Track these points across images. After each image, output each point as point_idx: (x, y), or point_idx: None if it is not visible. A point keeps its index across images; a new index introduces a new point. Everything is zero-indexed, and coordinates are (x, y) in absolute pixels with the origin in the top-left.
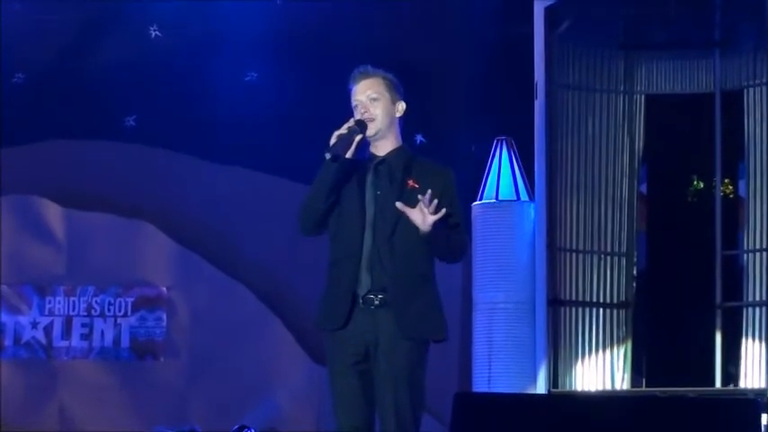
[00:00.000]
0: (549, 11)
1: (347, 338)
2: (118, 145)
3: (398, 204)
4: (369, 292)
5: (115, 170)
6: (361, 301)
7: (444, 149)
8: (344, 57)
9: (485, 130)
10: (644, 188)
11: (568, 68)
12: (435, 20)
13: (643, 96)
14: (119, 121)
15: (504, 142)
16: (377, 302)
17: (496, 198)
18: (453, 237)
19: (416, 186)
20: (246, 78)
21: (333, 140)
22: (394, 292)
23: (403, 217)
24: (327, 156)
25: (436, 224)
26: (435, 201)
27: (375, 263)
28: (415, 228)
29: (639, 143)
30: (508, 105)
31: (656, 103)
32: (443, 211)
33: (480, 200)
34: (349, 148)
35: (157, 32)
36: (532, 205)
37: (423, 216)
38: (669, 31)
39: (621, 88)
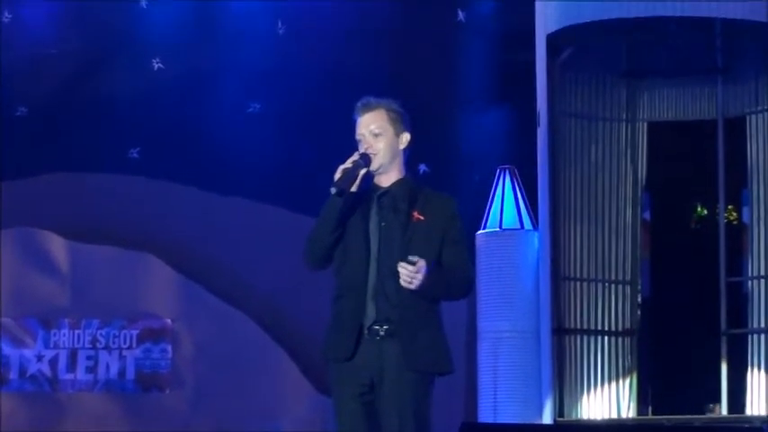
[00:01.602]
0: (550, 39)
1: (353, 369)
2: (121, 177)
3: (400, 266)
4: (374, 323)
5: (119, 202)
6: (366, 332)
7: (448, 179)
8: (348, 86)
9: (488, 159)
10: (647, 215)
11: (571, 96)
12: (438, 50)
13: (646, 124)
14: (122, 154)
15: (507, 171)
16: (382, 333)
17: (500, 227)
18: (456, 276)
19: (421, 218)
20: (249, 110)
21: (338, 175)
22: (399, 324)
23: (409, 247)
24: (333, 191)
25: (427, 277)
26: (421, 263)
27: (380, 294)
28: (422, 258)
29: (642, 171)
30: (511, 134)
31: (658, 131)
32: (421, 264)
33: (484, 229)
34: (354, 182)
35: (160, 65)
36: (536, 234)
37: (409, 278)
38: (671, 57)
39: (624, 116)
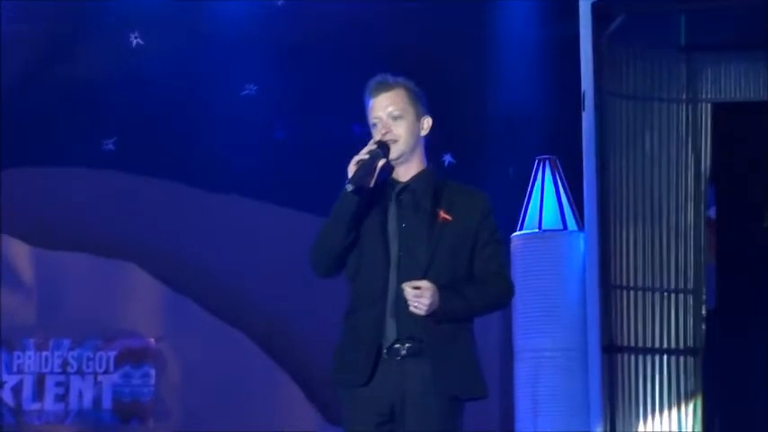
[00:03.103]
0: (596, 7)
1: (369, 396)
2: (94, 172)
3: (404, 286)
4: (395, 341)
5: (92, 202)
6: (385, 352)
7: (477, 172)
8: (357, 65)
9: (524, 149)
10: (712, 213)
11: (621, 74)
12: (463, 22)
13: (709, 105)
14: (95, 145)
15: (546, 162)
16: (403, 352)
17: (539, 228)
18: (492, 287)
19: (448, 218)
20: (244, 92)
21: (352, 168)
22: (428, 343)
23: (436, 252)
24: (349, 188)
25: (447, 299)
26: (426, 285)
27: (401, 308)
28: (450, 264)
29: (706, 160)
30: (551, 119)
31: (724, 113)
32: (427, 286)
33: (521, 230)
34: (372, 175)
35: (139, 40)
36: (582, 236)
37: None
38: (738, 28)
39: (684, 96)
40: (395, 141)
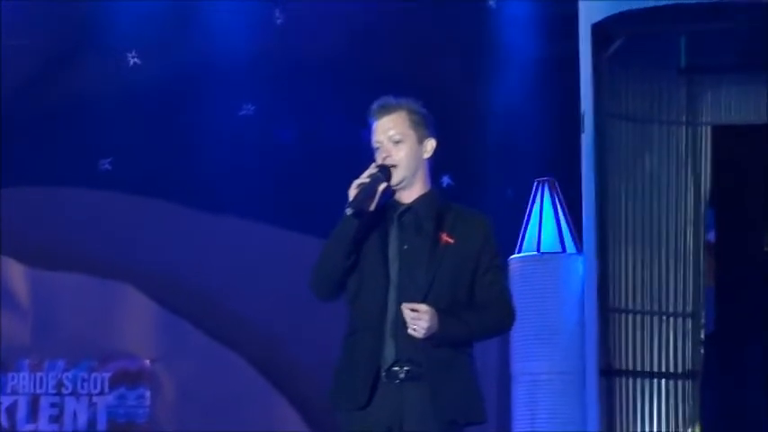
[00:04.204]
0: (596, 29)
1: (367, 419)
2: (91, 192)
3: (404, 307)
4: (393, 364)
5: (88, 222)
6: (383, 374)
7: (475, 193)
8: (357, 85)
9: (522, 171)
10: (712, 236)
11: (620, 96)
12: (462, 41)
13: (709, 128)
14: (92, 165)
15: (545, 184)
16: (402, 376)
17: (538, 250)
18: (493, 313)
19: (451, 241)
20: (242, 112)
21: (353, 192)
22: (426, 367)
23: (437, 275)
24: (348, 211)
25: (445, 324)
26: (423, 308)
27: (401, 330)
28: (451, 288)
29: (706, 183)
30: (550, 141)
31: (724, 136)
32: (424, 309)
33: (519, 252)
34: (373, 199)
35: (136, 59)
36: (581, 258)
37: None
38: (738, 50)
39: (684, 119)
40: (394, 166)
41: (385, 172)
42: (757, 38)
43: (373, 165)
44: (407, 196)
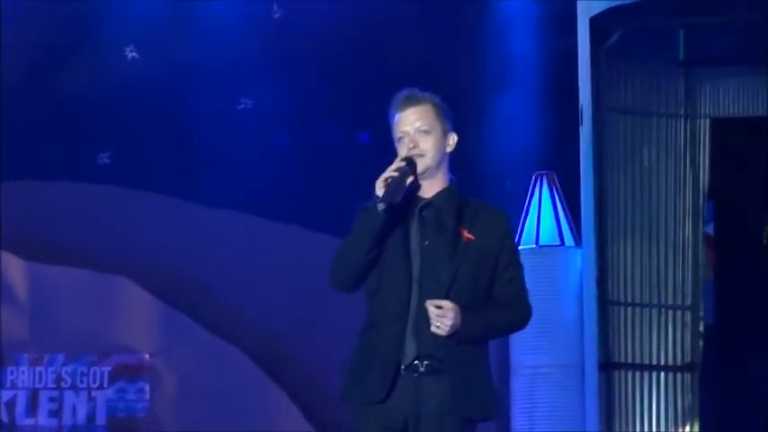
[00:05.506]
0: (594, 22)
1: (382, 412)
2: (89, 187)
3: (428, 304)
4: (414, 359)
5: (87, 216)
6: (403, 368)
7: (474, 186)
8: (354, 79)
9: (521, 164)
10: (710, 229)
11: (619, 89)
12: (460, 35)
13: (708, 120)
14: (90, 159)
15: (544, 177)
16: (422, 369)
17: (536, 243)
18: (512, 310)
19: (472, 238)
20: (240, 106)
21: (380, 186)
22: (447, 362)
23: (459, 271)
24: (380, 207)
25: (468, 321)
26: (448, 306)
27: (422, 326)
28: (471, 284)
29: (704, 176)
30: (548, 134)
31: (723, 129)
32: (449, 307)
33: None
34: (402, 192)
35: (134, 54)
36: (579, 251)
37: (438, 322)
38: (738, 43)
39: (682, 111)
40: (421, 156)
41: (411, 165)
42: (756, 30)
43: (398, 158)
44: (428, 190)
